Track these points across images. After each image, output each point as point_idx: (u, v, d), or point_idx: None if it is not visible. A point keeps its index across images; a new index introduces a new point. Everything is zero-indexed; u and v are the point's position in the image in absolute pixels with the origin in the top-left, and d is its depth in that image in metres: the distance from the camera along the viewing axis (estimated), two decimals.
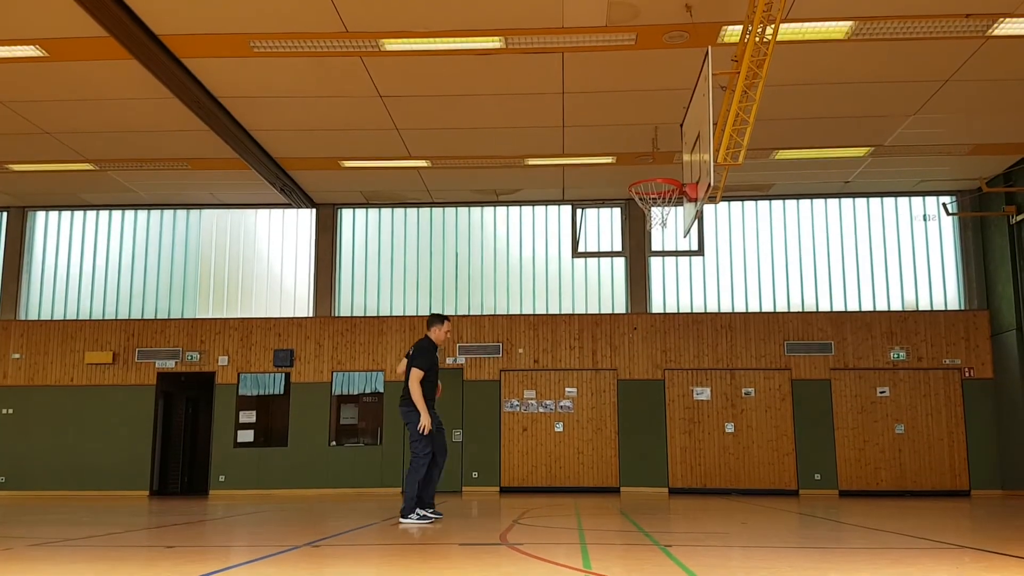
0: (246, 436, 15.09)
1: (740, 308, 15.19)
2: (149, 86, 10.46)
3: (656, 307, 15.24)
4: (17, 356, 15.21)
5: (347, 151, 13.02)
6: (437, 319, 7.92)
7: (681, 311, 15.18)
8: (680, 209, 9.40)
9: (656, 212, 9.17)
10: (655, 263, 15.41)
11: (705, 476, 14.56)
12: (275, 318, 15.39)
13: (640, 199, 9.49)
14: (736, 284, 15.28)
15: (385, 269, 15.69)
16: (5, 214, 15.87)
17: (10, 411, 15.04)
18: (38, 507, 10.96)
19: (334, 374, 15.19)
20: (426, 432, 7.49)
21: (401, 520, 7.57)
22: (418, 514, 7.57)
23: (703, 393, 14.77)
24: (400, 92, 10.82)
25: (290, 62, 9.94)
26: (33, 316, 15.61)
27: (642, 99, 10.97)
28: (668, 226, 9.45)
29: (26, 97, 10.95)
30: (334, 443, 15.03)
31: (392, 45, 9.50)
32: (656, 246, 15.37)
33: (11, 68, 10.06)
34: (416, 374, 7.52)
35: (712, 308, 15.22)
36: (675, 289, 15.33)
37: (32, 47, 9.54)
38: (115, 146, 12.72)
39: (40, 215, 15.98)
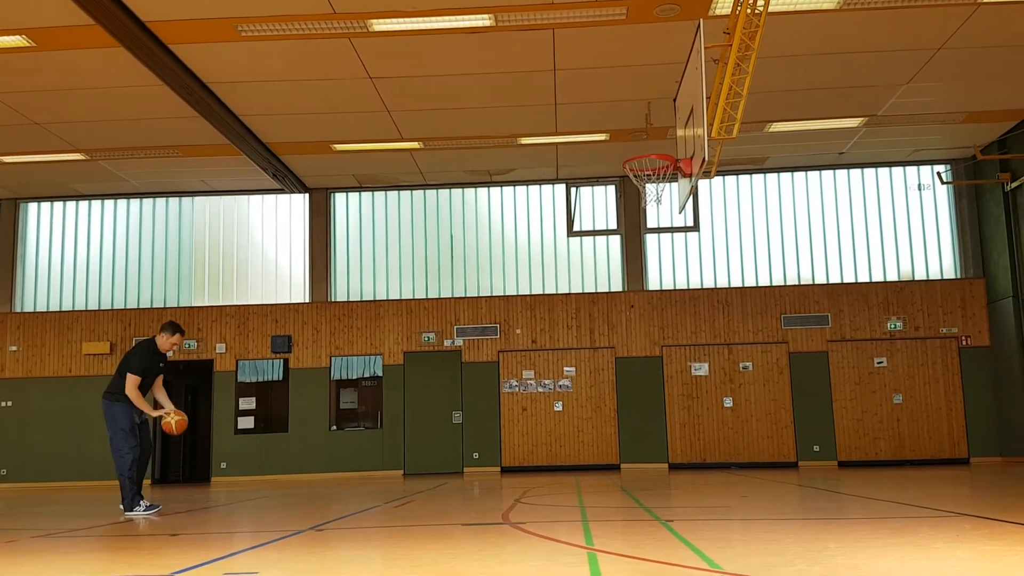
0: (246, 423, 15.11)
1: (736, 283, 15.20)
2: (137, 74, 10.36)
3: (653, 284, 15.24)
4: (14, 348, 15.18)
5: (338, 134, 12.94)
6: (169, 327, 7.85)
7: (678, 287, 15.19)
8: (675, 185, 9.37)
9: (651, 188, 9.14)
10: (651, 240, 15.39)
11: (704, 451, 14.63)
12: (271, 304, 15.37)
13: (634, 176, 9.46)
14: (732, 259, 15.28)
15: (380, 253, 15.66)
16: None
17: (9, 403, 15.03)
18: (40, 499, 10.98)
19: (332, 359, 15.19)
20: (174, 432, 7.62)
21: (127, 513, 7.45)
22: (143, 505, 7.49)
23: (701, 368, 14.81)
24: (390, 73, 10.73)
25: (278, 45, 9.85)
26: (29, 308, 15.57)
27: (634, 74, 10.90)
28: (663, 202, 9.42)
29: (14, 88, 10.85)
30: (334, 428, 15.06)
31: (380, 25, 9.41)
32: (652, 223, 15.34)
33: None
34: (133, 380, 7.53)
35: (709, 284, 15.22)
36: (671, 266, 15.33)
37: (18, 37, 9.44)
38: (105, 135, 12.63)
39: (32, 206, 15.90)
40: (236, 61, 10.24)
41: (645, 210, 15.19)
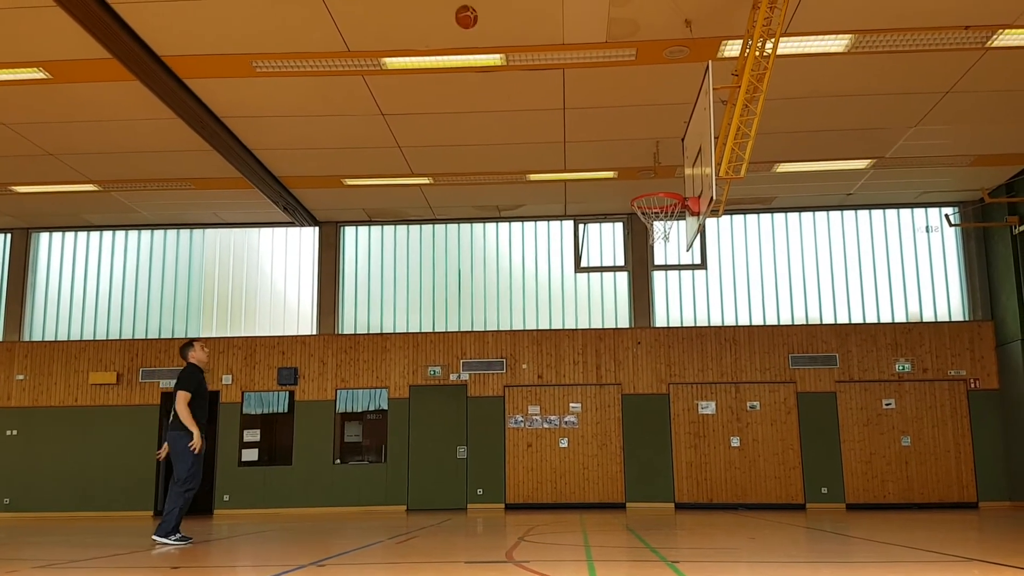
0: (250, 455, 15.05)
1: (744, 321, 15.17)
2: (153, 107, 10.51)
3: (660, 321, 15.23)
4: (21, 377, 15.21)
5: (349, 169, 13.06)
6: (187, 344, 8.20)
7: (685, 325, 15.17)
8: (682, 223, 9.41)
9: (658, 226, 9.18)
10: (658, 277, 15.41)
11: (711, 491, 14.49)
12: (279, 336, 15.39)
13: (642, 213, 9.51)
14: (739, 297, 15.27)
15: (388, 286, 15.71)
16: (9, 236, 15.92)
17: (15, 432, 15.02)
18: (43, 528, 10.92)
19: (338, 392, 15.16)
20: (197, 451, 7.74)
21: (157, 539, 7.57)
22: (178, 535, 7.62)
23: (708, 407, 14.73)
24: (402, 110, 10.86)
25: (292, 81, 9.99)
26: (37, 337, 15.63)
27: (643, 114, 11.01)
28: (671, 240, 9.46)
29: (30, 119, 11.00)
30: (338, 461, 14.98)
31: (393, 63, 9.55)
32: (659, 260, 15.37)
33: (15, 91, 10.12)
34: (183, 396, 7.75)
35: (716, 322, 15.20)
36: (678, 303, 15.33)
37: (36, 70, 9.60)
38: (119, 167, 12.76)
39: (44, 236, 16.03)
40: (250, 96, 10.38)
41: (652, 247, 15.24)
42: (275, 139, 11.80)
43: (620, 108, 10.85)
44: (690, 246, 9.00)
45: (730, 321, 15.19)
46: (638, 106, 10.77)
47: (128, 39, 8.80)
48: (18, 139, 11.58)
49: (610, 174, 13.35)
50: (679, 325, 15.18)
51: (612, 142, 12.02)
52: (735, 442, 14.61)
